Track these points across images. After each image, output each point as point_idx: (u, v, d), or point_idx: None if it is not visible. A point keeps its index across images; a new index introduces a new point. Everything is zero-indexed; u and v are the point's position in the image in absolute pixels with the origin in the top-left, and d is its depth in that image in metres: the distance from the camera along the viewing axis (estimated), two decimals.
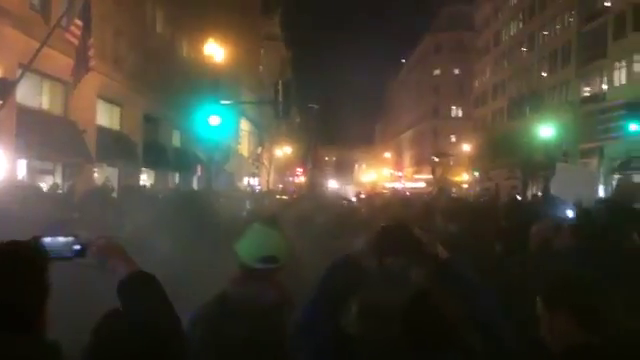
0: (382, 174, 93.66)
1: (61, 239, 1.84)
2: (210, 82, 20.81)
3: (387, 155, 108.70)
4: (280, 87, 17.42)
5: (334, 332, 1.98)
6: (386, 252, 2.05)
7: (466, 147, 60.70)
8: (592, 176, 9.94)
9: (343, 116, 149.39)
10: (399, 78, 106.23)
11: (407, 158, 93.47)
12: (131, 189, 13.78)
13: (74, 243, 1.86)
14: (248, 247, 2.53)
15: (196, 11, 29.59)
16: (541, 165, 31.35)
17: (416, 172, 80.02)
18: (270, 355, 2.35)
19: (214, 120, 16.03)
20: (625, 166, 29.16)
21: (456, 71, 78.77)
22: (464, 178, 61.81)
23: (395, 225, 2.13)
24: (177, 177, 28.67)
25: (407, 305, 1.98)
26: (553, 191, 7.35)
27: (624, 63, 34.63)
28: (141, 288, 1.80)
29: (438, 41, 79.84)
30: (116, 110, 23.02)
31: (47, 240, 1.81)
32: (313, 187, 12.39)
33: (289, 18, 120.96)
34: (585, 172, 10.23)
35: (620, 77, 34.33)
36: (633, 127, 22.88)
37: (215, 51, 19.13)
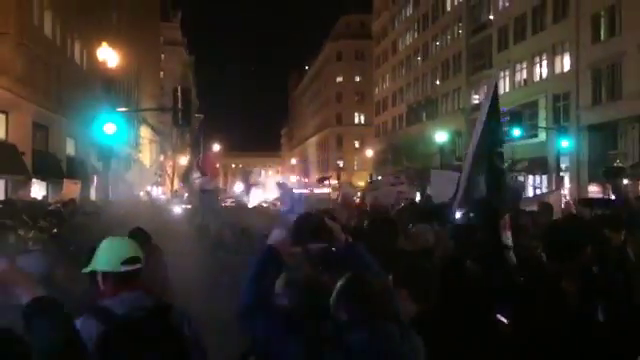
0: (289, 180, 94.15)
1: None
2: (105, 89, 19.97)
3: (293, 161, 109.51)
4: (179, 93, 17.09)
5: (274, 307, 2.32)
6: (306, 236, 2.55)
7: (369, 152, 62.68)
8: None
9: (248, 122, 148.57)
10: (303, 84, 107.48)
11: (313, 164, 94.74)
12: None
13: None
14: (108, 255, 2.59)
15: (89, 13, 28.29)
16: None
17: (321, 178, 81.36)
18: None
19: (110, 128, 15.41)
20: (509, 168, 31.56)
21: (357, 78, 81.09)
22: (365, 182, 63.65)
23: (311, 214, 2.68)
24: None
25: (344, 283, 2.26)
26: (432, 196, 7.87)
27: (507, 72, 37.54)
28: (42, 313, 1.83)
29: (339, 49, 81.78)
30: (1, 118, 21.41)
31: None
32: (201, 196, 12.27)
33: (190, 22, 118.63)
34: (457, 175, 10.95)
35: (504, 85, 37.13)
36: (516, 132, 24.86)
37: (109, 56, 18.37)
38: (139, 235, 4.46)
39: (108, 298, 2.52)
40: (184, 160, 51.40)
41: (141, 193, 26.29)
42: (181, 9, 70.93)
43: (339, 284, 2.22)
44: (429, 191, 8.23)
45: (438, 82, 50.22)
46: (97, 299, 2.56)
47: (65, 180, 20.98)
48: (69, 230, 6.99)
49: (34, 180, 22.65)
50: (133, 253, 2.63)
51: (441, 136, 37.18)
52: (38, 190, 22.83)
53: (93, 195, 25.64)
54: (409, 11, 58.32)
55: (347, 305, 2.16)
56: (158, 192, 37.75)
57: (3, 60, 20.36)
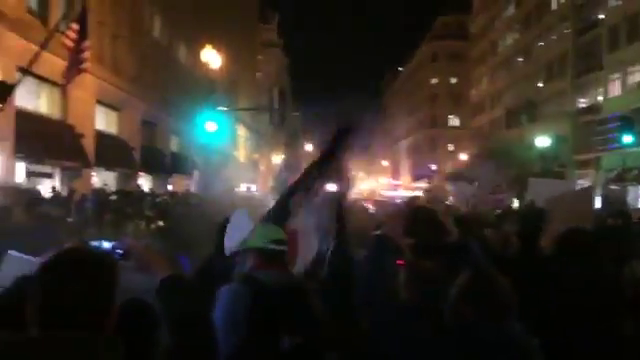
0: (380, 182, 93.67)
1: (105, 244, 2.02)
2: (207, 88, 20.92)
3: (384, 163, 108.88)
4: (275, 94, 17.55)
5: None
6: (419, 229, 2.65)
7: (464, 156, 60.92)
8: (568, 186, 9.96)
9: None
10: (396, 86, 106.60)
11: (405, 166, 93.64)
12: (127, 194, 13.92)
13: (116, 247, 2.04)
14: (261, 234, 2.96)
15: (194, 17, 29.78)
16: (538, 176, 31.48)
17: (414, 180, 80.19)
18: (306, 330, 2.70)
19: (211, 126, 16.13)
20: (619, 177, 29.37)
21: (453, 80, 79.10)
22: None
23: (425, 209, 2.80)
24: (173, 182, 28.72)
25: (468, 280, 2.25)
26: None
27: (619, 75, 34.92)
28: (176, 290, 1.98)
29: (434, 50, 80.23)
30: (114, 114, 23.11)
31: (93, 245, 2.00)
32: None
33: (287, 25, 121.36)
34: (559, 183, 10.26)
35: (615, 89, 34.59)
36: (627, 139, 23.07)
37: (212, 58, 19.25)
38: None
39: (257, 271, 2.86)
40: (277, 158, 52.75)
41: (237, 188, 27.31)
42: (278, 11, 72.87)
43: (461, 281, 2.19)
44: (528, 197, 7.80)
45: (541, 84, 47.75)
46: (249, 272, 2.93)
47: (175, 175, 22.20)
48: (172, 219, 7.40)
49: (140, 173, 24.26)
50: (281, 236, 3.00)
51: (542, 141, 35.33)
52: (144, 183, 24.41)
53: (193, 189, 26.97)
54: (511, 10, 56.00)
55: (474, 304, 2.12)
56: (252, 188, 39.02)
57: (118, 61, 21.95)
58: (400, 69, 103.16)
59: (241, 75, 44.82)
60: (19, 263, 2.94)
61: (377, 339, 2.45)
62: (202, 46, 20.85)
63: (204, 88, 20.83)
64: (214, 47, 19.86)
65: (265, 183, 47.64)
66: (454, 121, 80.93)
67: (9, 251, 3.23)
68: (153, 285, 2.13)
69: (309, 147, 60.32)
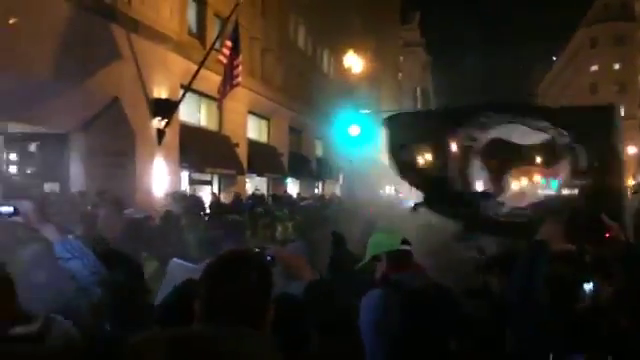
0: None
1: (256, 250, 2.20)
2: (349, 92, 21.25)
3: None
4: (418, 94, 17.21)
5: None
6: (581, 233, 2.59)
7: (632, 149, 54.76)
8: None
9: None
10: (550, 76, 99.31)
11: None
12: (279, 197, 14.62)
13: (268, 254, 2.23)
14: (386, 238, 3.11)
15: (336, 24, 30.46)
16: None
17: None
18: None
19: (354, 130, 16.32)
20: None
21: (616, 66, 71.58)
22: (629, 183, 55.84)
23: (586, 212, 2.71)
24: (320, 185, 29.64)
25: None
26: None
27: None
28: (319, 295, 2.15)
29: (594, 34, 73.24)
30: (264, 123, 24.49)
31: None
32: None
33: (429, 22, 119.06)
34: None
35: None
36: None
37: (354, 62, 19.51)
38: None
39: (394, 274, 2.98)
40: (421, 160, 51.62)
41: (382, 191, 27.37)
42: (420, 9, 71.80)
43: (619, 287, 2.14)
44: None
45: None
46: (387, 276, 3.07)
47: (321, 179, 22.85)
48: (318, 222, 7.61)
49: (289, 179, 25.42)
50: (403, 237, 3.13)
51: None
52: (292, 188, 25.52)
53: (338, 193, 27.59)
54: None
55: (633, 312, 2.06)
56: (396, 191, 38.83)
57: (267, 73, 23.23)
58: (554, 58, 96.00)
59: (383, 78, 44.88)
60: (183, 270, 3.19)
61: (526, 343, 2.42)
62: (344, 52, 21.24)
63: (347, 93, 21.21)
64: (356, 52, 20.12)
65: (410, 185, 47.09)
66: (619, 111, 73.16)
67: (173, 259, 3.52)
68: (297, 289, 2.23)
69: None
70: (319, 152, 30.63)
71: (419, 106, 16.52)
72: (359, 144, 19.30)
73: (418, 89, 17.18)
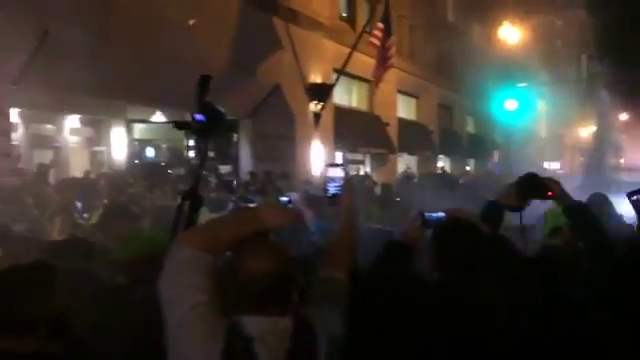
0: None
1: (440, 215, 2.48)
2: (504, 66, 20.33)
3: None
4: (584, 62, 15.96)
5: None
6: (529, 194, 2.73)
7: None
8: None
9: None
10: None
11: None
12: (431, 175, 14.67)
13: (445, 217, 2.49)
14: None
15: None
16: None
17: None
18: None
19: (510, 104, 15.68)
20: None
21: None
22: None
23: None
24: (472, 163, 28.85)
25: None
26: None
27: None
28: None
29: None
30: (413, 101, 24.43)
31: (429, 215, 2.48)
32: None
33: None
34: None
35: None
36: None
37: (509, 34, 18.59)
38: None
39: None
40: (584, 132, 47.82)
41: (545, 165, 25.96)
42: None
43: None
44: None
45: None
46: None
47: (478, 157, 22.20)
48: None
49: (439, 156, 25.12)
50: None
51: None
52: (442, 165, 25.22)
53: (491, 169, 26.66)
54: None
55: None
56: (556, 166, 36.37)
57: (415, 50, 23.07)
58: None
59: (539, 47, 41.86)
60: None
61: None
62: (498, 22, 20.30)
63: (501, 66, 20.31)
64: (510, 22, 19.13)
65: (572, 159, 43.91)
66: None
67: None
68: None
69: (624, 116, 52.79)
70: (470, 128, 29.76)
71: (584, 75, 15.06)
72: (516, 119, 18.47)
73: (583, 57, 15.67)
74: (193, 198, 2.09)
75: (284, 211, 2.04)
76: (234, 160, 14.17)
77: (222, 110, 2.10)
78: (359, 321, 1.87)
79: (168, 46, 9.92)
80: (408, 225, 2.51)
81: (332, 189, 2.24)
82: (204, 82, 2.11)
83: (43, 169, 9.61)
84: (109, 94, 10.15)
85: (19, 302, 1.93)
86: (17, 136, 10.54)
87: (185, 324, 1.67)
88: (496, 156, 28.19)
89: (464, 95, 26.58)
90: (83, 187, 8.30)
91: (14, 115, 9.98)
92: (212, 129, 2.10)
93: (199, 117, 2.05)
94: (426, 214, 2.47)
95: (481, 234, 2.26)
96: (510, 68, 19.51)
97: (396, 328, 1.91)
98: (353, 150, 18.64)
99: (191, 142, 15.13)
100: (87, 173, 11.22)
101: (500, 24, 19.43)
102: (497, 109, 16.50)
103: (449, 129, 26.74)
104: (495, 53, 22.60)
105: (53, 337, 1.94)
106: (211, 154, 14.29)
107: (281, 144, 14.51)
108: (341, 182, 2.23)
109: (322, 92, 15.24)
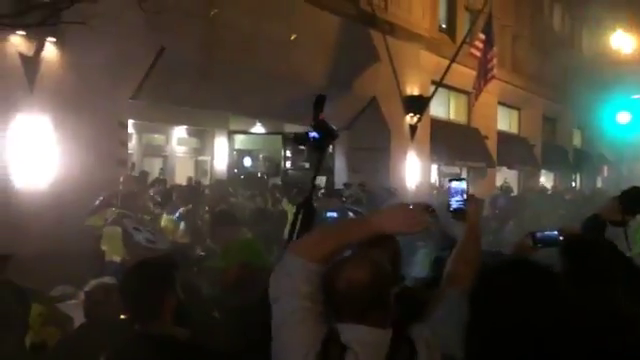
0: None
1: (552, 233, 2.40)
2: (616, 76, 19.02)
3: None
4: None
5: None
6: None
7: None
8: None
9: None
10: None
11: None
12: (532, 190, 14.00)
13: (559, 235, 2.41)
14: None
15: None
16: None
17: None
18: None
19: (623, 117, 14.63)
20: None
21: None
22: None
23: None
24: (578, 178, 27.18)
25: None
26: None
27: None
28: None
29: None
30: (514, 113, 23.46)
31: (538, 234, 2.42)
32: None
33: None
34: None
35: None
36: None
37: (623, 42, 17.37)
38: None
39: None
40: None
41: None
42: None
43: None
44: None
45: None
46: None
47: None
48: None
49: (542, 171, 23.91)
50: None
51: None
52: (545, 180, 23.97)
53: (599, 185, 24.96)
54: None
55: None
56: None
57: (518, 61, 22.18)
58: None
59: None
60: None
61: None
62: (610, 29, 19.03)
63: (613, 76, 18.99)
64: (624, 29, 17.87)
65: None
66: None
67: None
68: None
69: None
70: (577, 142, 28.04)
71: None
72: (629, 132, 17.17)
73: None
74: (307, 208, 2.19)
75: (410, 216, 1.93)
76: (329, 172, 14.36)
77: (334, 127, 2.22)
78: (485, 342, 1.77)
79: (269, 60, 10.30)
80: (519, 246, 2.42)
81: (455, 204, 2.16)
82: (320, 101, 2.22)
83: (143, 176, 10.25)
84: (214, 106, 10.69)
85: (147, 290, 2.28)
86: (131, 145, 11.40)
87: (287, 325, 1.78)
88: (605, 171, 26.33)
89: (570, 107, 25.15)
90: (190, 195, 8.80)
91: (129, 126, 10.77)
92: (326, 145, 2.23)
93: (313, 134, 2.18)
94: (537, 234, 2.38)
95: (615, 248, 2.24)
96: (623, 78, 18.21)
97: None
98: (449, 163, 18.22)
99: (288, 153, 15.61)
100: (189, 180, 11.88)
101: (612, 31, 18.18)
102: (608, 122, 15.45)
103: (553, 142, 25.38)
104: (605, 62, 21.20)
105: (177, 324, 2.31)
106: (306, 165, 14.76)
107: (376, 156, 14.50)
108: (464, 196, 2.14)
109: (419, 104, 15.08)
